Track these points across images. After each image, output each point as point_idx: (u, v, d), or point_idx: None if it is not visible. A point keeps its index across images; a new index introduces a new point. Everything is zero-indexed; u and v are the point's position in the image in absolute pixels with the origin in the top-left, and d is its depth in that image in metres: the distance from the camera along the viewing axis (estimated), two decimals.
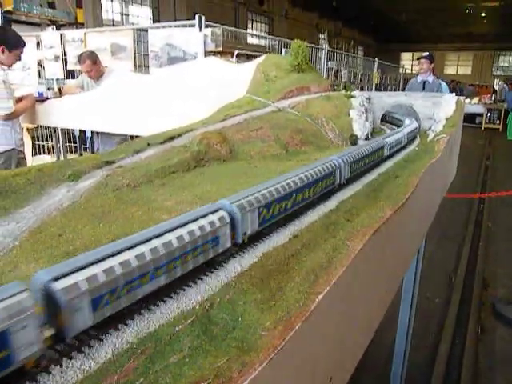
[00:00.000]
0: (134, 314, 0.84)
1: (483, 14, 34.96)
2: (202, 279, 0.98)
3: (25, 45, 5.04)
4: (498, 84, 36.37)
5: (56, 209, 1.64)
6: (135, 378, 0.70)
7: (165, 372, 0.72)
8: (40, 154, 8.27)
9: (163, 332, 0.81)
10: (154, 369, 0.72)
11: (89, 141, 6.74)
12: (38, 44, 8.03)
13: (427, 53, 8.09)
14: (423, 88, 7.60)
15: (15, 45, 4.85)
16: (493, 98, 24.81)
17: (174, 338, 0.80)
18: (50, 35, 8.12)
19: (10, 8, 8.77)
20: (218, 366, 0.73)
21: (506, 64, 48.29)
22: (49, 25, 10.03)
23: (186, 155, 2.22)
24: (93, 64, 6.02)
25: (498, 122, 22.51)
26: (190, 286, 0.95)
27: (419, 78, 7.83)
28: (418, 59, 8.00)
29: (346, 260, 1.12)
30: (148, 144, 2.32)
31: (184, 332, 0.82)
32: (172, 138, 2.42)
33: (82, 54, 6.21)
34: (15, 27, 6.27)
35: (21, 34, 5.11)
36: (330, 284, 1.00)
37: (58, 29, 9.28)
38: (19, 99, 5.04)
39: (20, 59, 5.04)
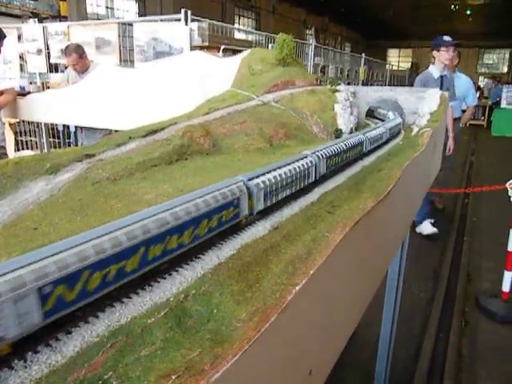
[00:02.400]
0: (104, 307, 0.81)
1: (468, 12, 35.36)
2: (177, 271, 0.96)
3: (5, 37, 4.93)
4: (483, 81, 36.85)
5: (33, 202, 1.60)
6: (104, 371, 0.68)
7: (135, 365, 0.70)
8: (23, 149, 8.13)
9: (135, 324, 0.79)
10: (124, 362, 0.70)
11: (72, 136, 6.65)
12: (19, 37, 7.87)
13: (448, 37, 6.28)
14: (441, 84, 6.17)
15: None
16: (477, 95, 25.08)
17: (146, 331, 0.78)
18: (31, 28, 7.97)
19: None
20: (190, 359, 0.71)
21: (491, 61, 48.95)
22: (30, 17, 9.84)
23: (168, 148, 2.19)
24: (79, 58, 5.94)
25: (482, 118, 22.83)
26: (165, 278, 0.93)
27: (437, 72, 6.34)
28: (451, 45, 6.14)
29: (325, 251, 1.10)
30: (130, 137, 2.28)
31: (156, 324, 0.80)
32: (154, 132, 2.39)
33: (67, 46, 6.12)
34: None
35: (0, 25, 5.01)
36: (308, 275, 0.98)
37: (40, 21, 9.12)
38: (0, 93, 4.95)
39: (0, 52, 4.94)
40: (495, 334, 4.77)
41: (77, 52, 5.89)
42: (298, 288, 0.94)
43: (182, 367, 0.69)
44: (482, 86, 30.38)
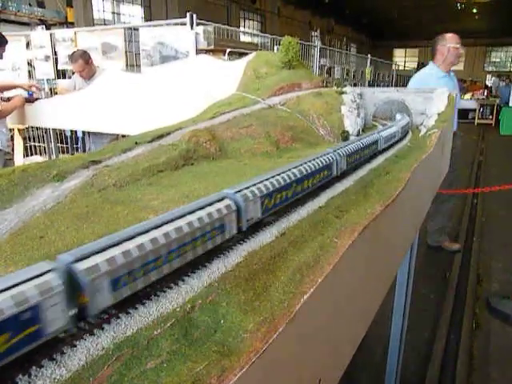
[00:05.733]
0: (110, 318, 0.80)
1: (475, 10, 35.13)
2: (183, 280, 0.95)
3: (7, 43, 4.97)
4: (490, 80, 36.60)
5: (39, 210, 1.60)
6: None
7: (141, 379, 0.69)
8: (32, 155, 8.21)
9: (141, 336, 0.78)
10: (130, 375, 0.69)
11: (80, 141, 6.69)
12: (28, 44, 7.95)
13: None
14: None
15: None
16: (485, 94, 24.91)
17: (152, 343, 0.77)
18: (39, 35, 8.04)
19: None
20: (197, 372, 0.70)
21: (498, 60, 48.56)
22: (38, 24, 9.93)
23: (174, 153, 2.19)
24: (85, 64, 5.97)
25: (490, 117, 22.66)
26: (171, 288, 0.92)
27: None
28: None
29: (333, 258, 1.09)
30: (136, 143, 2.28)
31: (163, 336, 0.79)
32: (160, 137, 2.39)
33: (74, 53, 6.15)
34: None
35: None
36: (316, 283, 0.97)
37: (47, 28, 9.21)
38: (8, 100, 4.98)
39: (1, 57, 4.97)
40: (506, 335, 4.70)
41: (83, 58, 5.93)
42: (306, 296, 0.92)
43: (189, 381, 0.68)
44: (489, 85, 30.20)
